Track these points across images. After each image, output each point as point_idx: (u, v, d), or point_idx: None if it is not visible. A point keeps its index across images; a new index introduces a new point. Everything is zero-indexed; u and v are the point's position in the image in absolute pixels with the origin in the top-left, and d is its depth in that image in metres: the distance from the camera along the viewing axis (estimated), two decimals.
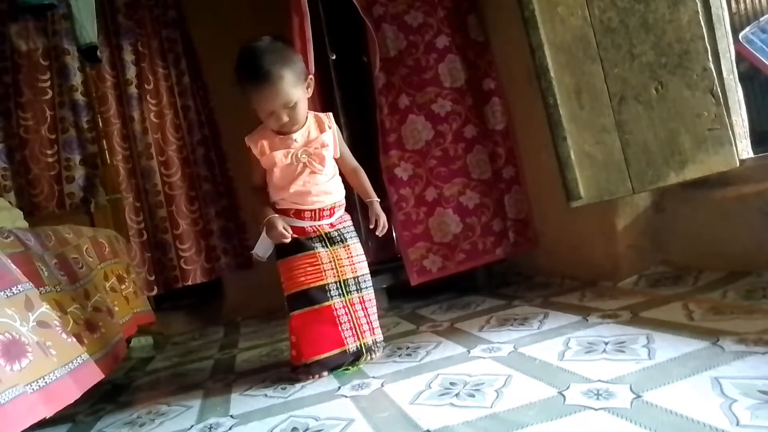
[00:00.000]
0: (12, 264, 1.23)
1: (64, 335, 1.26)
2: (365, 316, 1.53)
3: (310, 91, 1.50)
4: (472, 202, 2.24)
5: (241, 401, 1.42)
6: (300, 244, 1.49)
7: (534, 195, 2.24)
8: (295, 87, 1.42)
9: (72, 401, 1.15)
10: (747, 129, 1.71)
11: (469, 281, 2.34)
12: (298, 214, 1.50)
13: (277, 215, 1.47)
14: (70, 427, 1.54)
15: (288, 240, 1.45)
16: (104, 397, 1.78)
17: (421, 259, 2.21)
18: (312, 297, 1.46)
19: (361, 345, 1.49)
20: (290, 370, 1.55)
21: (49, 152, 2.83)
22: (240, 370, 1.79)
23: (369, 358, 1.52)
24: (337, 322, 1.47)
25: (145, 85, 2.97)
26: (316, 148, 1.49)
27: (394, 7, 2.23)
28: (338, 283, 1.49)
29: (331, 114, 1.58)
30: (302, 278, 1.47)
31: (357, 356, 1.50)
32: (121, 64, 2.95)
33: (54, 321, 1.25)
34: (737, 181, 1.62)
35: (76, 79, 2.85)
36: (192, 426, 1.30)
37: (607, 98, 1.59)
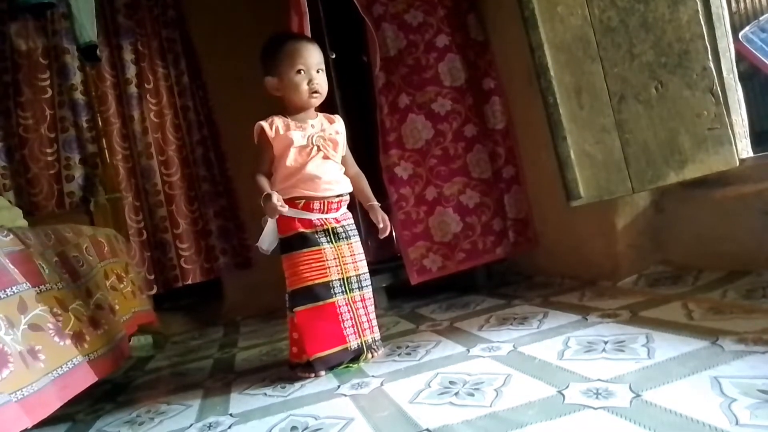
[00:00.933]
0: (10, 264, 1.23)
1: (56, 338, 1.26)
2: (366, 314, 1.54)
3: None
4: (472, 202, 2.24)
5: (241, 400, 1.42)
6: (305, 240, 1.49)
7: (534, 194, 2.24)
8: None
9: (52, 412, 1.15)
10: (747, 128, 1.71)
11: (468, 280, 2.34)
12: (307, 205, 1.50)
13: (273, 191, 1.43)
14: (69, 426, 1.54)
15: (285, 211, 1.43)
16: (104, 396, 1.78)
17: (421, 259, 2.21)
18: (316, 293, 1.47)
19: (361, 343, 1.50)
20: (289, 368, 1.55)
21: (48, 151, 2.83)
22: (239, 369, 1.79)
23: (369, 356, 1.52)
24: (340, 319, 1.48)
25: (145, 85, 2.97)
26: (330, 134, 1.54)
27: (394, 7, 2.23)
28: (342, 281, 1.50)
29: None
30: (307, 274, 1.47)
31: (358, 354, 1.50)
32: (121, 64, 2.95)
33: (48, 323, 1.25)
34: (737, 180, 1.62)
35: (76, 78, 2.85)
36: (191, 425, 1.30)
37: (607, 98, 1.59)
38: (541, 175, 2.13)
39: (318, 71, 1.51)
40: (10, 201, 2.67)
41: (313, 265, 1.47)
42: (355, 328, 1.49)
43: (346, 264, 1.52)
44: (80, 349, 1.38)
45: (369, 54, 2.27)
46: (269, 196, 1.41)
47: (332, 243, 1.51)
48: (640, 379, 1.00)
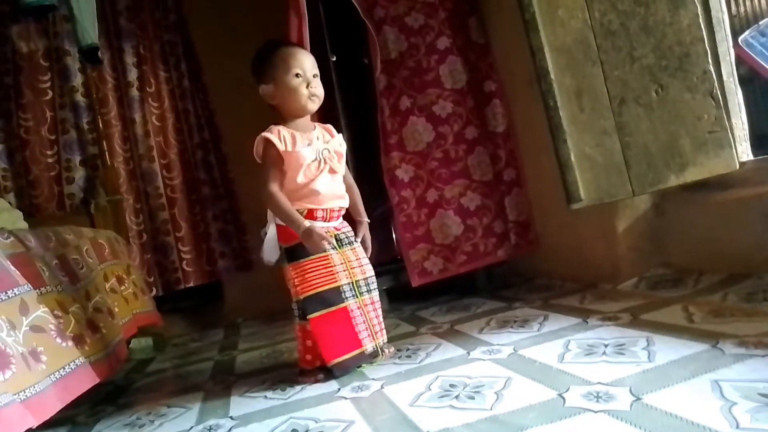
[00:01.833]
0: (11, 266, 1.23)
1: (59, 339, 1.26)
2: (376, 316, 1.54)
3: None
4: (473, 204, 2.24)
5: (241, 403, 1.42)
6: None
7: (534, 197, 2.24)
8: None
9: (53, 414, 1.15)
10: (747, 131, 1.71)
11: (469, 283, 2.34)
12: (310, 214, 1.49)
13: (313, 226, 1.42)
14: (69, 429, 1.54)
15: (328, 247, 1.44)
16: (104, 399, 1.78)
17: (422, 261, 2.21)
18: (328, 299, 1.46)
19: (376, 345, 1.50)
20: (299, 374, 1.53)
21: (49, 153, 2.83)
22: (240, 372, 1.79)
23: (381, 357, 1.52)
24: (354, 323, 1.47)
25: (147, 88, 2.97)
26: (335, 147, 1.53)
27: (395, 9, 2.23)
28: (351, 285, 1.49)
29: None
30: (316, 280, 1.46)
31: (373, 357, 1.50)
32: (123, 67, 2.95)
33: (50, 325, 1.25)
34: (737, 183, 1.62)
35: (77, 80, 2.85)
36: (192, 427, 1.30)
37: (608, 101, 1.59)
38: (541, 178, 2.13)
39: (314, 76, 1.51)
40: (10, 203, 2.67)
41: (322, 271, 1.46)
42: (369, 330, 1.49)
43: (353, 268, 1.51)
44: (81, 350, 1.38)
45: (370, 56, 2.28)
46: (310, 231, 1.40)
47: (337, 249, 1.50)
48: (641, 382, 1.00)
